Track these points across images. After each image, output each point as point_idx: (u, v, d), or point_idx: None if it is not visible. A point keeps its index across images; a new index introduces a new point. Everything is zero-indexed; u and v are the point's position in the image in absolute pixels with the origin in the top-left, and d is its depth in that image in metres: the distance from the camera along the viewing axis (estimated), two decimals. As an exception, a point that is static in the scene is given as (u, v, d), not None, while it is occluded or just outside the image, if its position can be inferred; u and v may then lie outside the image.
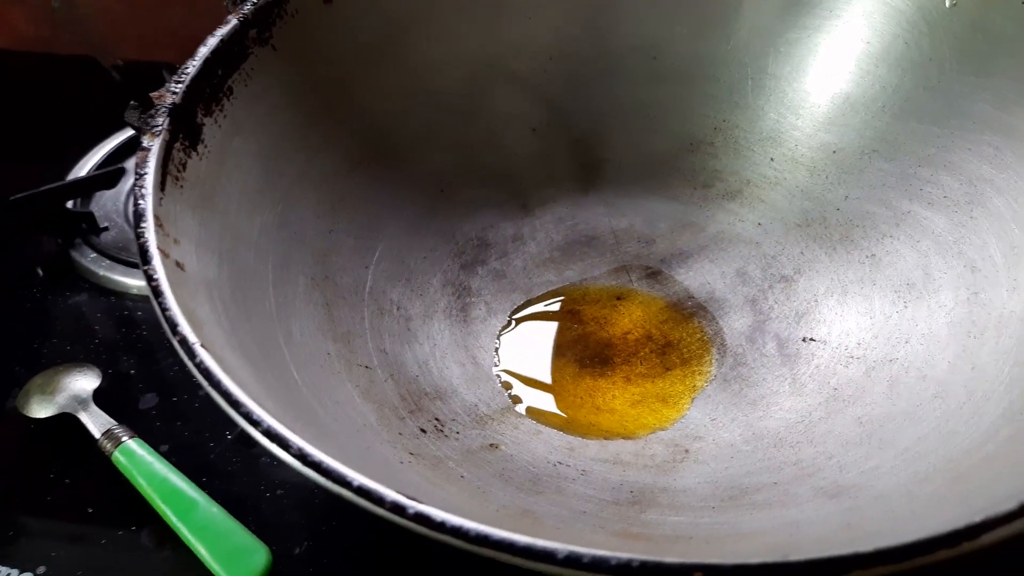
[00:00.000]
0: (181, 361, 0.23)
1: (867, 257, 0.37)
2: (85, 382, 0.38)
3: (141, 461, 0.33)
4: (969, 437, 0.27)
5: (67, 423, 0.36)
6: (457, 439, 0.32)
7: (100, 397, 0.37)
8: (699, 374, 0.36)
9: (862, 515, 0.26)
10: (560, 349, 0.38)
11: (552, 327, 0.39)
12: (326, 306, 0.34)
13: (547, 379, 0.37)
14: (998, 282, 0.32)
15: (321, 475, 0.20)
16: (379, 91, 0.38)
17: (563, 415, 0.35)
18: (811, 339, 0.36)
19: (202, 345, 0.23)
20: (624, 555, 0.19)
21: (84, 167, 0.52)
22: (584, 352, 0.37)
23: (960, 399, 0.30)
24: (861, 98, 0.38)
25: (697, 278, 0.40)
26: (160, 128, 0.29)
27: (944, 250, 0.35)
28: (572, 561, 0.19)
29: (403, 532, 0.20)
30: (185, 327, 0.23)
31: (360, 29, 0.37)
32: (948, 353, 0.32)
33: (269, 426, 0.21)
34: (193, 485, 0.33)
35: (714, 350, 0.37)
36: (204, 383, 0.22)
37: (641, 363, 0.37)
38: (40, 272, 0.45)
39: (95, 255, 0.46)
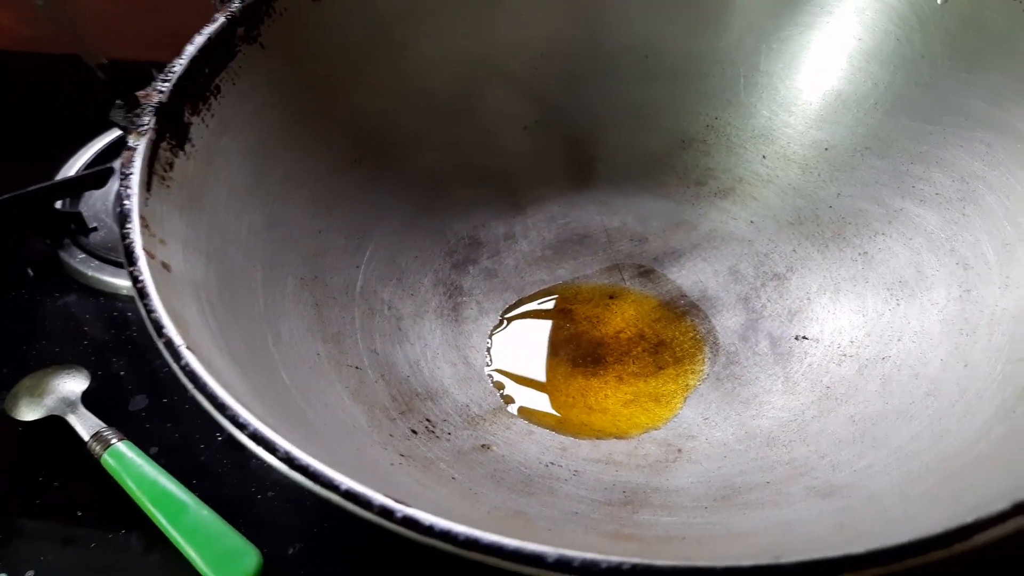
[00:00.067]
0: (169, 363, 0.23)
1: (859, 255, 0.37)
2: (74, 384, 0.37)
3: (131, 464, 0.33)
4: (962, 435, 0.27)
5: (57, 425, 0.36)
6: (448, 440, 0.32)
7: (90, 399, 0.37)
8: (692, 373, 0.36)
9: (855, 515, 0.26)
10: (552, 348, 0.38)
11: (544, 326, 0.39)
12: (316, 306, 0.34)
13: (539, 379, 0.36)
14: (990, 279, 0.32)
15: (309, 479, 0.20)
16: (369, 89, 0.38)
17: (555, 415, 0.35)
18: (804, 337, 0.36)
19: (188, 347, 0.23)
20: (615, 558, 0.18)
21: (73, 167, 0.52)
22: (576, 351, 0.37)
23: (953, 397, 0.30)
24: (853, 95, 0.38)
25: (690, 276, 0.40)
26: (146, 127, 0.29)
27: (936, 247, 0.35)
28: (562, 564, 0.19)
29: (396, 535, 0.20)
30: (171, 329, 0.23)
31: (350, 27, 0.37)
32: (941, 351, 0.32)
33: (256, 429, 0.21)
34: (183, 487, 0.33)
35: (707, 349, 0.37)
36: (189, 386, 0.22)
37: (634, 362, 0.37)
38: (30, 272, 0.45)
39: (84, 255, 0.46)
